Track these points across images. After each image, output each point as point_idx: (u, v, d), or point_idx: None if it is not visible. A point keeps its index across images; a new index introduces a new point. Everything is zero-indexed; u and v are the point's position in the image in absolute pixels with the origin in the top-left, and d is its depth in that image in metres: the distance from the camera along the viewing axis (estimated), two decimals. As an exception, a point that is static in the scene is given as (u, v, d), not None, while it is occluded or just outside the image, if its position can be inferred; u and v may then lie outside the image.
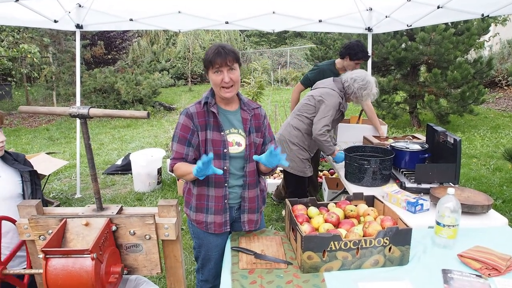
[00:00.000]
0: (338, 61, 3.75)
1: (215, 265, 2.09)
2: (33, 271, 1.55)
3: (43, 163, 3.96)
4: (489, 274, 1.58)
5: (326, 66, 3.85)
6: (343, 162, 2.93)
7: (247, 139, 1.93)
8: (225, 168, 1.90)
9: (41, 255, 1.37)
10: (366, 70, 3.14)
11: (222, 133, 1.88)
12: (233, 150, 1.91)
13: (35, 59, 8.91)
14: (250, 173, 1.97)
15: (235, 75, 1.82)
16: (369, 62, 5.00)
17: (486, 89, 8.51)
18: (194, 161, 1.88)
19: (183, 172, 1.86)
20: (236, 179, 1.97)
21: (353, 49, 3.51)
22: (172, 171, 1.94)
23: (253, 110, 1.98)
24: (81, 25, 4.30)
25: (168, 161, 1.97)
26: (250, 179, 1.98)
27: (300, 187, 3.33)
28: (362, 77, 2.98)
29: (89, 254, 1.37)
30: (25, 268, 1.77)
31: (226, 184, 1.94)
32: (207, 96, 1.91)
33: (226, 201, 1.96)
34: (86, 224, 1.53)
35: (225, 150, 1.88)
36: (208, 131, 1.88)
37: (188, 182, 2.02)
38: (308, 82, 3.90)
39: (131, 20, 4.34)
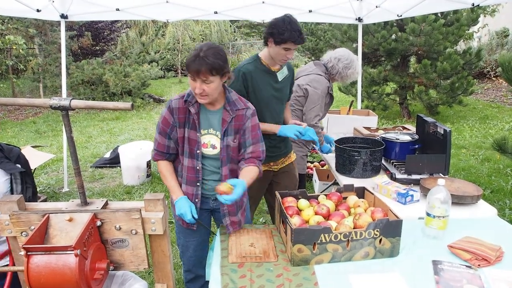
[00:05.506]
0: (263, 53, 2.37)
1: (194, 253, 2.11)
2: (15, 268, 1.50)
3: (28, 157, 3.86)
4: (479, 265, 1.58)
5: (249, 66, 2.32)
6: (333, 153, 2.90)
7: (222, 142, 1.86)
8: (197, 168, 1.88)
9: (23, 252, 1.33)
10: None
11: (198, 134, 1.84)
12: (207, 151, 1.87)
13: (21, 51, 8.69)
14: (225, 176, 1.90)
15: (210, 87, 1.70)
16: (359, 52, 4.98)
17: (475, 80, 8.57)
18: (175, 155, 1.92)
19: (165, 180, 1.94)
20: (212, 174, 1.94)
21: (278, 27, 2.15)
22: (155, 161, 1.98)
23: (236, 112, 1.86)
24: (66, 14, 4.19)
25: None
26: None
27: (303, 185, 3.19)
28: (346, 56, 2.92)
29: (73, 250, 1.33)
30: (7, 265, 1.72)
31: (198, 184, 1.91)
32: (189, 93, 1.82)
33: (197, 200, 1.94)
34: (70, 220, 1.49)
35: (198, 151, 1.85)
36: (187, 129, 1.84)
37: None
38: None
39: (117, 10, 4.24)
